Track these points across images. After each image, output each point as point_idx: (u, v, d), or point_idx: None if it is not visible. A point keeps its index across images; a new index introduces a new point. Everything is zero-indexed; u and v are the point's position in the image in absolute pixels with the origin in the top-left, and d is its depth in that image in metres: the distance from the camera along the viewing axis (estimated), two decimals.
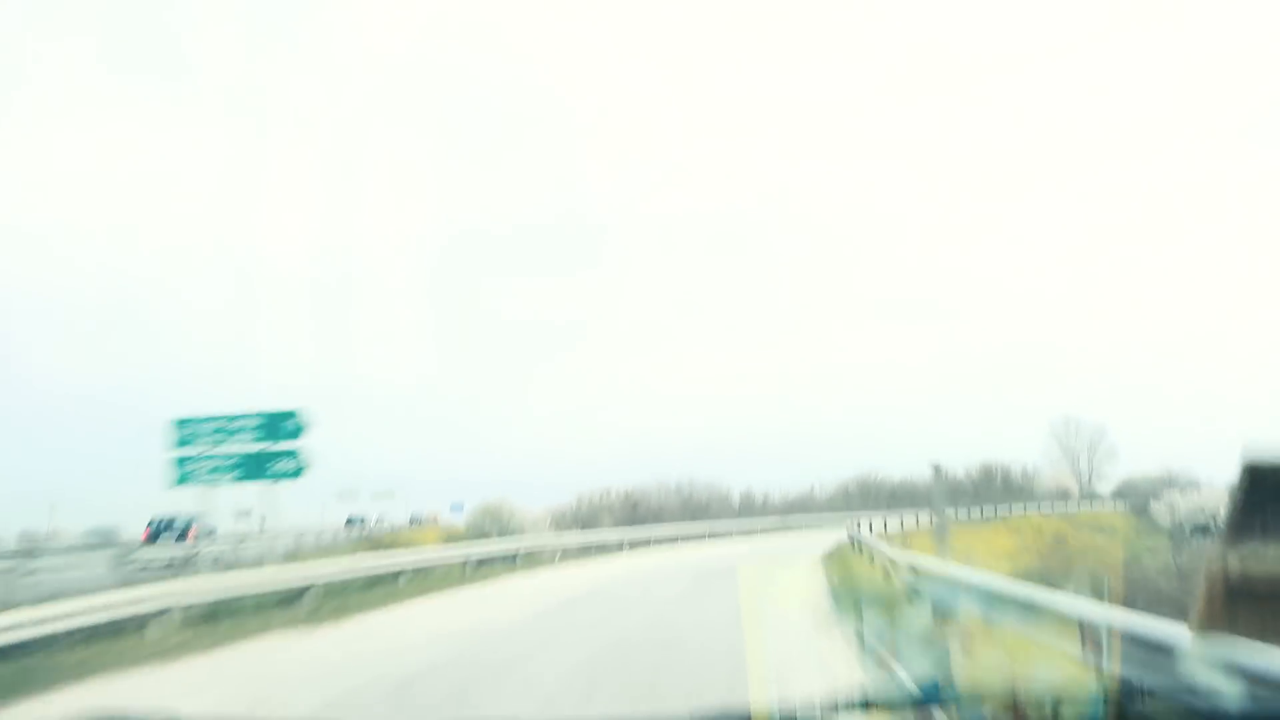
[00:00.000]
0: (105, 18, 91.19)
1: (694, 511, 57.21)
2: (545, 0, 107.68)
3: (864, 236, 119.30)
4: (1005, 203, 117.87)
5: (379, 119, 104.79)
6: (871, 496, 71.93)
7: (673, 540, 41.59)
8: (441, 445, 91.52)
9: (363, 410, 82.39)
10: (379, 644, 12.61)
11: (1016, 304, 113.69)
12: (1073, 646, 6.78)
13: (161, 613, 13.01)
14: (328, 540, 36.08)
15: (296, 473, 17.85)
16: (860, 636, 10.41)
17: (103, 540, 32.74)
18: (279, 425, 18.01)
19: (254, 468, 17.97)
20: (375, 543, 34.19)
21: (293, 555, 29.30)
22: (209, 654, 11.32)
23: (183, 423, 18.14)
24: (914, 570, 10.95)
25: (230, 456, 18.02)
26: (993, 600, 9.45)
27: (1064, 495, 73.94)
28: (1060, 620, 7.28)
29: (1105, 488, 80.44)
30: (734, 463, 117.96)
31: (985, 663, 8.00)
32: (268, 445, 18.02)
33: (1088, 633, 6.62)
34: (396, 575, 20.48)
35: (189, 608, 13.79)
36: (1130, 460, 79.92)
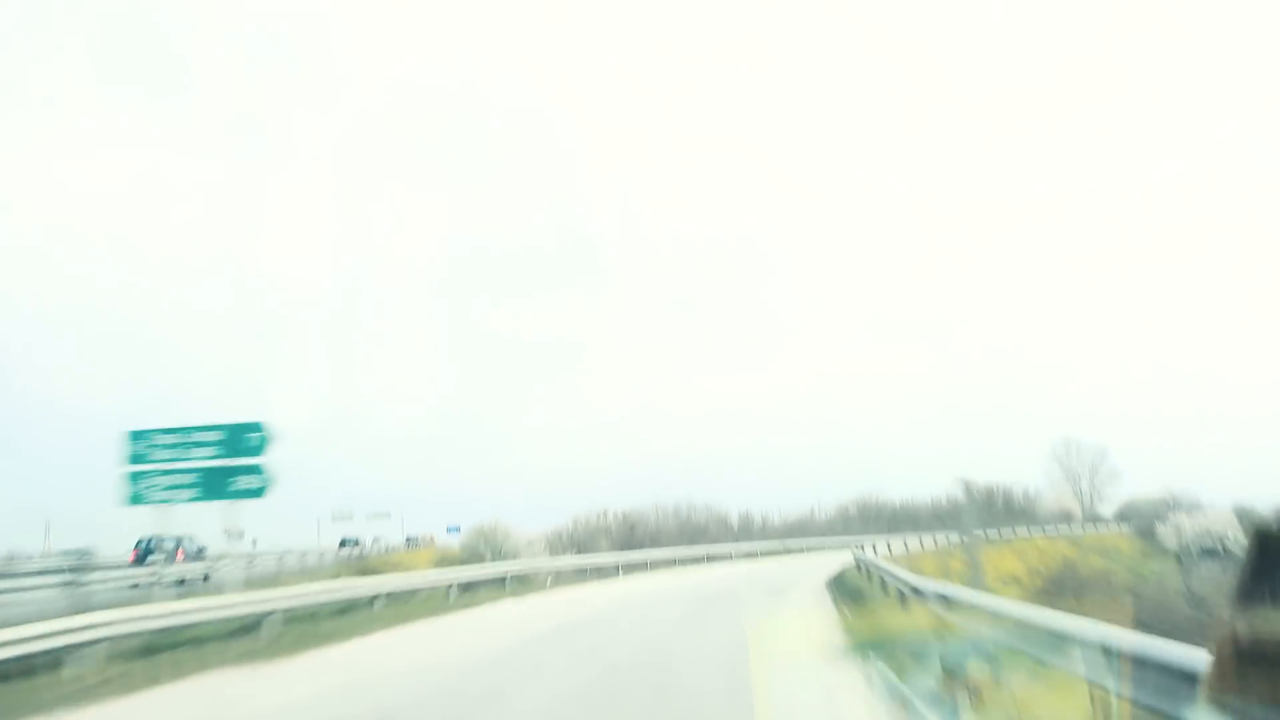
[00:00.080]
0: (108, 33, 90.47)
1: (692, 534, 55.36)
2: (551, 28, 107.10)
3: (864, 257, 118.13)
4: (1004, 223, 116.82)
5: (380, 143, 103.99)
6: (872, 519, 70.09)
7: (670, 563, 39.92)
8: (441, 467, 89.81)
9: (362, 432, 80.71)
10: (334, 681, 10.91)
11: (1016, 325, 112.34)
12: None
13: (88, 646, 11.29)
14: (313, 562, 34.23)
15: (259, 491, 16.18)
16: (881, 681, 8.73)
17: (79, 561, 30.95)
18: (241, 439, 16.37)
19: (214, 485, 16.32)
20: (363, 566, 32.37)
21: (273, 578, 27.58)
22: (126, 697, 9.60)
23: (137, 435, 16.51)
24: (946, 602, 9.23)
25: (189, 472, 16.36)
26: (1046, 639, 7.77)
27: (1067, 517, 71.97)
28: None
29: (1107, 510, 78.62)
30: (733, 485, 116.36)
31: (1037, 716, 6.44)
32: (229, 460, 16.37)
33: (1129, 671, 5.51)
34: (372, 601, 18.69)
35: (127, 638, 12.10)
36: (1132, 482, 78.13)
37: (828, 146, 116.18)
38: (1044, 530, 63.07)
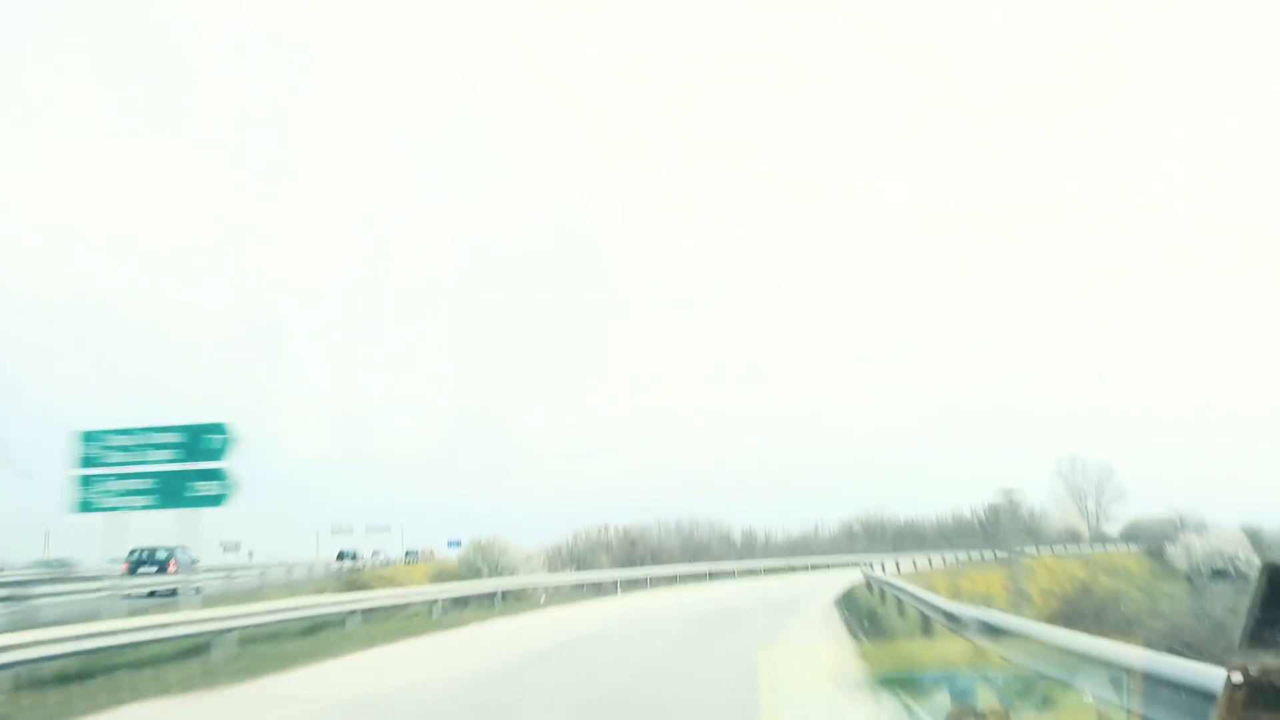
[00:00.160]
0: (109, 35, 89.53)
1: (694, 551, 53.50)
2: (551, 33, 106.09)
3: (867, 274, 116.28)
4: (1007, 240, 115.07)
5: (380, 145, 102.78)
6: (877, 536, 68.15)
7: (671, 580, 38.23)
8: (444, 479, 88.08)
9: (366, 443, 78.97)
10: (275, 715, 9.30)
11: (1021, 341, 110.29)
12: None
13: None
14: (300, 576, 32.54)
15: (219, 498, 14.57)
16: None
17: (54, 572, 29.40)
18: (201, 441, 14.76)
19: (171, 491, 14.72)
20: (351, 580, 30.67)
21: (254, 592, 25.93)
22: None
23: (90, 436, 14.90)
24: (991, 631, 7.55)
25: (144, 477, 14.75)
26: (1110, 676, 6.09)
27: (1074, 537, 69.90)
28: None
29: (1113, 529, 76.65)
30: (736, 501, 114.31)
31: None
32: (189, 464, 14.77)
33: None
34: (344, 619, 16.97)
35: (49, 661, 10.46)
36: (1137, 502, 76.10)
37: (832, 150, 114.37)
38: (1051, 549, 61.06)
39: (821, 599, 24.15)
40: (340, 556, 54.73)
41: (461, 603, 23.43)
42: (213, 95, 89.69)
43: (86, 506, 14.72)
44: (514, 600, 25.80)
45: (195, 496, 14.61)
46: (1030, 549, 57.27)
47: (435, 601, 20.92)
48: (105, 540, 15.53)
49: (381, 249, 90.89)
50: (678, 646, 14.22)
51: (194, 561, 33.79)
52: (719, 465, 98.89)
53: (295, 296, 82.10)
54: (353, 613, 17.25)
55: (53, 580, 26.33)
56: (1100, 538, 72.55)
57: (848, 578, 30.73)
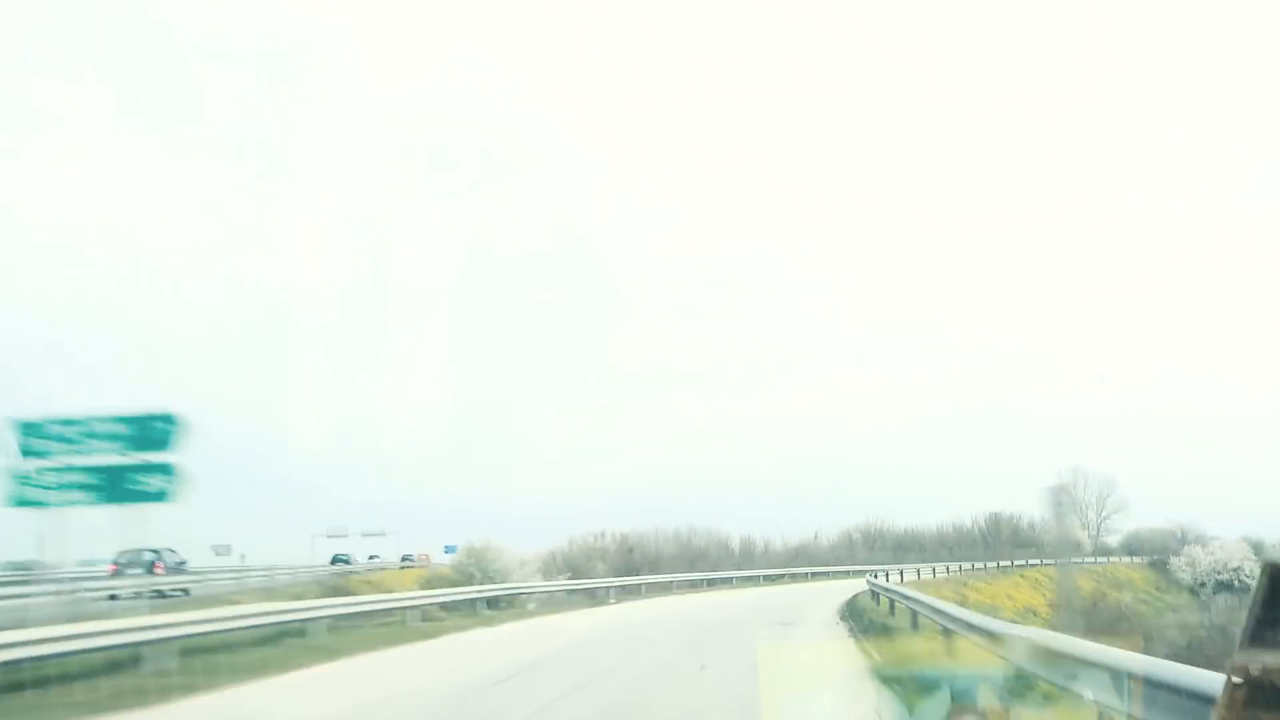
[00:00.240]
0: (110, 39, 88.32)
1: (692, 558, 51.88)
2: (553, 37, 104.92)
3: (867, 275, 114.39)
4: (1007, 242, 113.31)
5: (382, 149, 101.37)
6: (877, 545, 66.39)
7: (667, 588, 36.67)
8: (443, 483, 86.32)
9: (364, 446, 77.30)
10: None
11: (1023, 345, 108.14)
12: None
13: None
14: (283, 580, 30.94)
15: (163, 494, 12.98)
16: None
17: (22, 574, 27.80)
18: (148, 430, 13.21)
19: (113, 486, 13.14)
20: (335, 585, 29.09)
21: (225, 596, 24.35)
22: None
23: (27, 426, 13.35)
24: (1050, 656, 6.00)
25: (84, 470, 13.20)
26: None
27: (1076, 548, 68.12)
28: None
29: (1114, 541, 74.97)
30: (735, 504, 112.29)
31: None
32: (134, 457, 13.22)
33: None
34: (304, 628, 15.36)
35: None
36: (1139, 512, 74.28)
37: (832, 151, 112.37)
38: (1055, 561, 59.35)
39: (824, 609, 22.53)
40: (335, 561, 53.32)
41: (449, 609, 21.96)
42: (214, 96, 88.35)
43: (21, 502, 13.14)
44: (502, 607, 24.27)
45: (140, 491, 13.04)
46: (1033, 559, 55.65)
47: (411, 609, 19.34)
48: (41, 539, 13.97)
49: (382, 249, 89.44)
50: (666, 668, 12.61)
51: (182, 563, 32.30)
52: (719, 466, 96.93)
53: (295, 296, 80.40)
54: (318, 620, 15.69)
55: (18, 583, 24.82)
56: (1102, 549, 70.90)
57: (853, 587, 29.06)
